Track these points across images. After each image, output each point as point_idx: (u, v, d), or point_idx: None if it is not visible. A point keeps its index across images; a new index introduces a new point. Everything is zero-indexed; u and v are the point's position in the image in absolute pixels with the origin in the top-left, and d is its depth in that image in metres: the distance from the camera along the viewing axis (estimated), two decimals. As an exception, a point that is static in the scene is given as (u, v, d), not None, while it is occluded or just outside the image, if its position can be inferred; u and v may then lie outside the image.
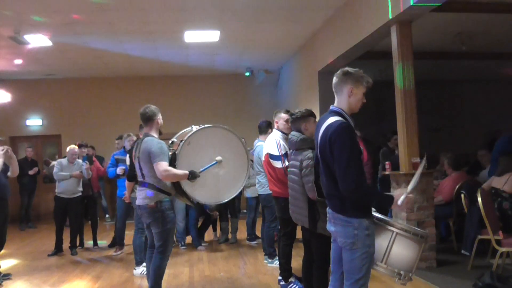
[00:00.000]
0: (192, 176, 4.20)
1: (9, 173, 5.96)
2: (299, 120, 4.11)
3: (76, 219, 7.42)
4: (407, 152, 5.56)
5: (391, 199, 2.82)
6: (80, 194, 7.35)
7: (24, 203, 10.18)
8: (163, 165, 4.06)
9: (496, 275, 4.48)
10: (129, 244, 7.16)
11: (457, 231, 6.38)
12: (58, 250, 7.24)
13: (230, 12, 7.21)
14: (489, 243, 5.17)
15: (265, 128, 6.12)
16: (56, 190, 7.25)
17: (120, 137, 7.47)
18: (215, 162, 4.37)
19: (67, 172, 7.14)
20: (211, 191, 4.45)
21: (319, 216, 3.69)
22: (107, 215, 10.86)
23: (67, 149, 7.39)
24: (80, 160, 7.41)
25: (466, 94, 12.28)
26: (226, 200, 4.69)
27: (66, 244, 7.33)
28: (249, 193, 7.32)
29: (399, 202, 2.81)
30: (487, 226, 4.91)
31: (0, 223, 5.78)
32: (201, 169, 4.28)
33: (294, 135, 4.10)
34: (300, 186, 3.86)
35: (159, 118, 4.38)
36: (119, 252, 7.08)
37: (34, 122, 11.93)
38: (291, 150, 4.26)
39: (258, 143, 6.11)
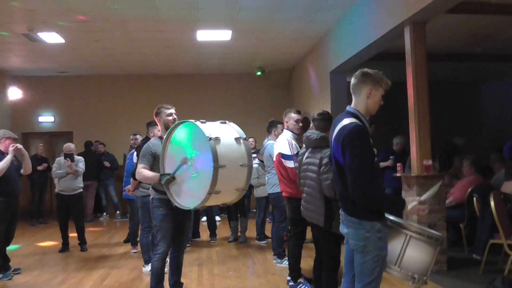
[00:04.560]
0: (166, 180, 3.89)
1: (22, 171, 6.01)
2: (329, 120, 4.10)
3: (80, 215, 7.49)
4: (419, 154, 5.50)
5: (403, 204, 2.79)
6: (81, 190, 7.43)
7: (35, 199, 10.29)
8: (138, 167, 4.29)
9: (507, 280, 4.42)
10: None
11: (469, 235, 6.32)
12: (65, 247, 7.28)
13: (242, 12, 7.20)
14: (501, 247, 5.10)
15: (269, 128, 6.18)
16: (57, 188, 7.33)
17: (135, 134, 7.51)
18: (180, 164, 3.83)
19: (65, 170, 7.23)
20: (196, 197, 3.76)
21: (334, 215, 3.65)
22: (117, 212, 10.90)
23: (63, 148, 7.52)
24: (78, 157, 7.51)
25: (480, 96, 12.15)
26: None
27: (74, 241, 7.36)
28: (258, 193, 7.31)
29: (409, 207, 2.79)
30: (499, 230, 4.85)
31: (9, 219, 5.81)
32: (172, 173, 3.90)
33: (314, 133, 4.08)
34: (317, 184, 3.83)
35: (160, 118, 4.42)
36: (136, 250, 7.00)
37: (46, 119, 12.02)
38: (304, 148, 4.23)
39: (268, 142, 6.13)
